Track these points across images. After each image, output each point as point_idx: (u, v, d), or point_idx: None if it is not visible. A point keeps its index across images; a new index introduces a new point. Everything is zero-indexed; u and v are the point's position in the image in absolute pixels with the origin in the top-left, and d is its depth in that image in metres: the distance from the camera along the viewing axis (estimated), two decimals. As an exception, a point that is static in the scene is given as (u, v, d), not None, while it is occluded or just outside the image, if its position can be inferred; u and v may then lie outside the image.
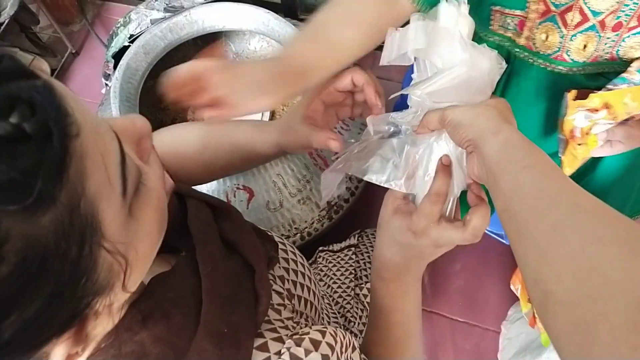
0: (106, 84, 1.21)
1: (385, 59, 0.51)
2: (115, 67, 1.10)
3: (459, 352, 1.25)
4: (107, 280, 0.29)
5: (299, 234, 1.02)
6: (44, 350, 0.27)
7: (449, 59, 0.47)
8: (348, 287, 0.84)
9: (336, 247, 0.95)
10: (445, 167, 0.47)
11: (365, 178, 0.50)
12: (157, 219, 0.34)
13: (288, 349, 0.38)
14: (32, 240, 0.23)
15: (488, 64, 0.46)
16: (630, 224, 0.33)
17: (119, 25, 1.14)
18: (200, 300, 0.38)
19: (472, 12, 0.65)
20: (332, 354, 0.40)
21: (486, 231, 1.33)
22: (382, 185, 0.49)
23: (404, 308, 0.53)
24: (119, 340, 0.33)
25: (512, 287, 1.13)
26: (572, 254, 0.32)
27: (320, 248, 0.97)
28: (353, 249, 0.92)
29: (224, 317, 0.38)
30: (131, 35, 1.07)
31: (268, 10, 1.03)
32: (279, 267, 0.53)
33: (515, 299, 1.26)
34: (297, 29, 0.98)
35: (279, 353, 0.38)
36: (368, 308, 0.80)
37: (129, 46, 1.04)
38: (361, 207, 1.11)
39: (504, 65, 0.47)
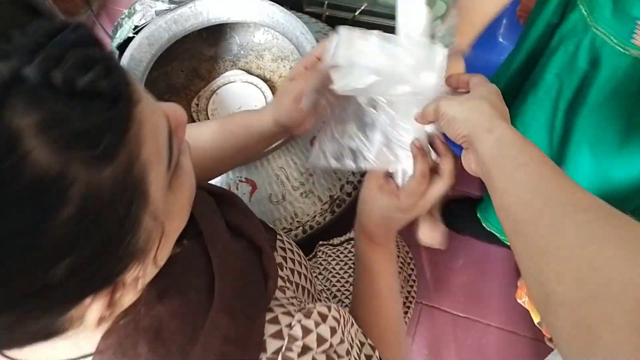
0: (111, 75, 1.20)
1: (327, 62, 0.54)
2: (119, 58, 1.10)
3: (461, 347, 1.25)
4: (145, 245, 0.30)
5: (301, 227, 1.02)
6: (81, 310, 0.29)
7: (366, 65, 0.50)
8: (347, 282, 0.84)
9: (336, 241, 0.95)
10: (419, 149, 0.51)
11: (346, 168, 0.55)
12: (189, 197, 0.37)
13: (299, 321, 0.40)
14: (93, 189, 0.25)
15: (413, 62, 0.49)
16: (629, 222, 0.33)
17: (123, 16, 1.14)
18: (212, 278, 0.39)
19: (602, 20, 0.63)
20: (338, 327, 0.42)
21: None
22: (356, 169, 0.55)
23: (391, 270, 0.57)
24: (136, 315, 0.35)
25: (518, 300, 1.13)
26: (571, 255, 0.32)
27: (321, 242, 0.97)
28: (353, 242, 0.92)
29: (237, 292, 0.40)
30: (136, 27, 1.07)
31: (273, 3, 1.03)
32: (277, 255, 0.54)
33: (519, 304, 1.26)
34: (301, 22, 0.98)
35: (289, 325, 0.40)
36: None
37: (133, 37, 1.04)
38: (364, 201, 1.11)
39: (441, 52, 0.50)
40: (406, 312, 0.89)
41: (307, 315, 0.41)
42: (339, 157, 0.55)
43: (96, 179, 0.25)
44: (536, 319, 1.11)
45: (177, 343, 0.35)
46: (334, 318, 0.42)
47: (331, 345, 0.41)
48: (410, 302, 0.91)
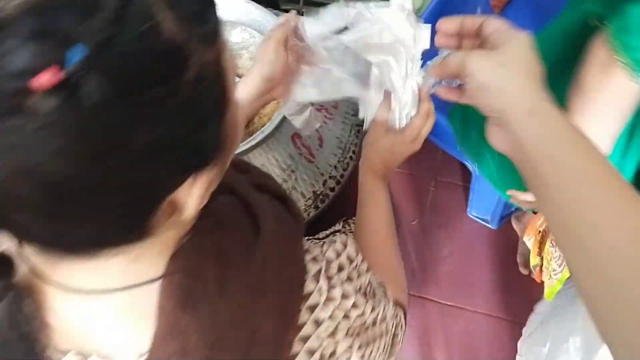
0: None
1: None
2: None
3: (449, 335, 1.27)
4: (226, 139, 0.34)
5: (285, 224, 1.02)
6: (187, 188, 0.32)
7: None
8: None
9: (321, 235, 0.95)
10: (425, 94, 0.59)
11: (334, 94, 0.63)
12: (241, 126, 0.42)
13: (329, 247, 0.48)
14: (203, 63, 0.29)
15: (404, 23, 0.55)
16: None
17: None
18: (253, 218, 0.44)
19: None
20: (359, 249, 0.51)
21: (472, 216, 1.35)
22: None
23: (389, 203, 0.66)
24: (197, 239, 0.38)
25: (525, 238, 1.11)
26: None
27: (306, 238, 0.97)
28: (338, 234, 0.92)
29: (278, 225, 0.45)
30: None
31: (249, 0, 1.02)
32: None
33: (504, 290, 1.29)
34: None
35: (322, 252, 0.47)
36: None
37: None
38: (347, 195, 1.11)
39: (425, 27, 0.56)
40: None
41: (334, 242, 0.49)
42: (322, 86, 0.62)
43: (204, 55, 0.29)
44: (533, 262, 1.10)
45: (237, 260, 0.39)
46: (353, 243, 0.50)
47: (357, 264, 0.49)
48: (397, 293, 0.92)
